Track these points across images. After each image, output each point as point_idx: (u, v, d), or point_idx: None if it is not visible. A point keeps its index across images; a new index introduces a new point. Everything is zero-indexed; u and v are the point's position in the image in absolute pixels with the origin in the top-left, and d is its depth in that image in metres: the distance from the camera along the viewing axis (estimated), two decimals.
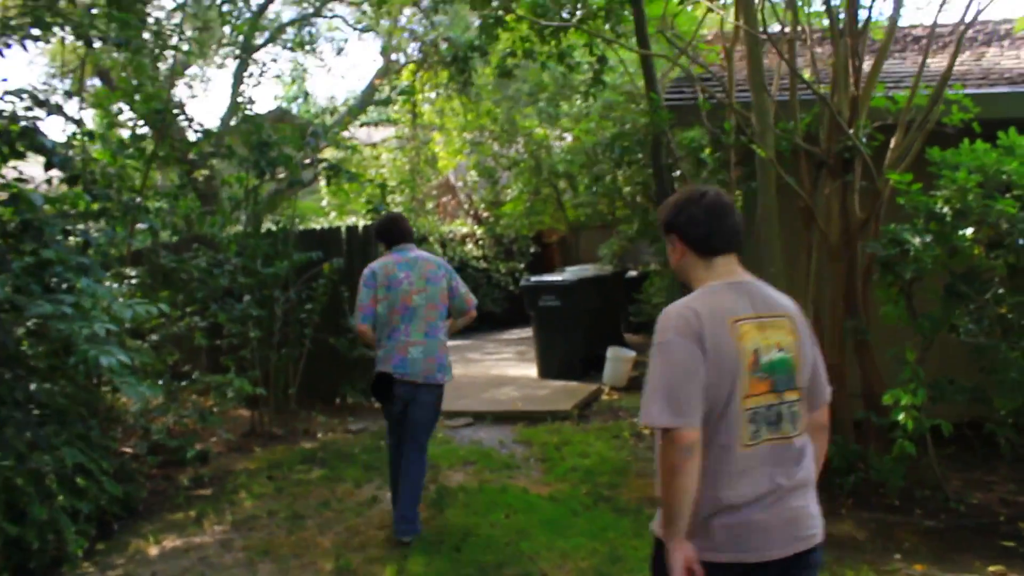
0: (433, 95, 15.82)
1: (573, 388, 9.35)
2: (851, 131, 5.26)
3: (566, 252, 18.00)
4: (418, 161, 16.19)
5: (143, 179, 6.60)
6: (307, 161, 7.46)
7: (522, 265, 16.32)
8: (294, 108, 20.77)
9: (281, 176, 7.69)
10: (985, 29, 8.53)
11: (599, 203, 11.77)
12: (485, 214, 16.96)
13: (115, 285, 5.03)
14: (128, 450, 6.68)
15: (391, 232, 5.16)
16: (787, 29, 5.86)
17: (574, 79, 11.17)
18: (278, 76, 19.11)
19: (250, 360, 7.49)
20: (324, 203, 16.80)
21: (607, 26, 6.30)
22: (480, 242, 16.59)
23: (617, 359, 9.34)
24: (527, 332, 15.66)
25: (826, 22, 5.98)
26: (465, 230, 16.55)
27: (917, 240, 4.81)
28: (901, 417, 4.68)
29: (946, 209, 4.86)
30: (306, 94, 20.97)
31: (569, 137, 17.03)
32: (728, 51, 6.33)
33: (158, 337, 6.76)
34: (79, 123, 6.24)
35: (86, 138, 6.30)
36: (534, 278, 10.21)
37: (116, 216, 5.66)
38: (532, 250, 16.80)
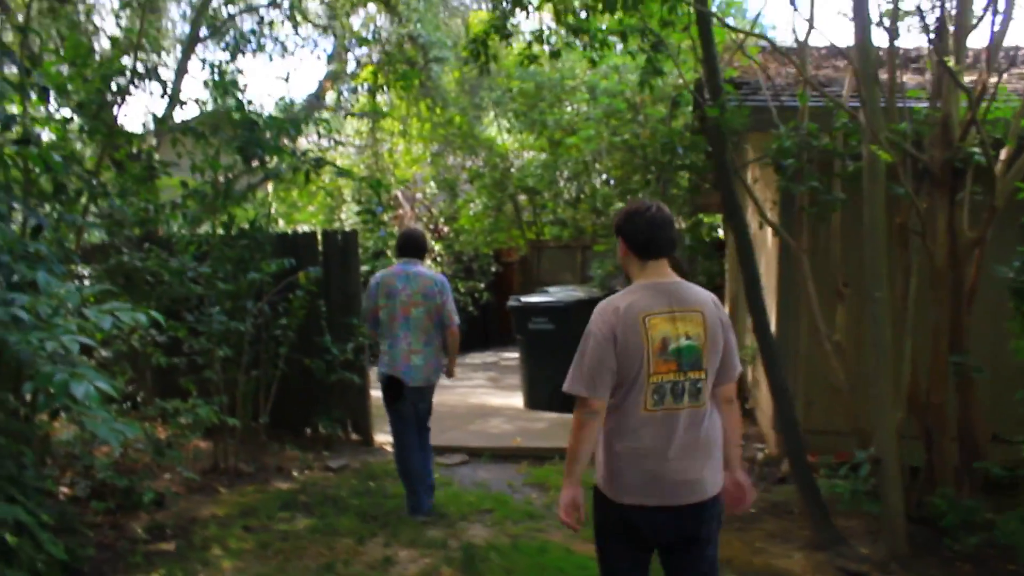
0: (392, 99, 14.85)
1: (568, 419, 8.37)
2: (975, 134, 4.49)
3: (526, 272, 17.09)
4: (376, 169, 15.06)
5: (97, 161, 5.41)
6: (296, 152, 6.36)
7: (483, 285, 15.37)
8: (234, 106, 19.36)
9: (255, 166, 6.58)
10: None
11: (583, 219, 10.85)
12: (445, 229, 15.94)
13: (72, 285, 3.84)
14: (66, 490, 5.44)
15: (401, 245, 5.76)
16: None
17: (567, 83, 10.34)
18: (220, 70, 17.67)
19: (215, 383, 6.30)
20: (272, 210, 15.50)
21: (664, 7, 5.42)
22: (439, 259, 15.55)
23: None
24: (491, 356, 14.75)
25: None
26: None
27: None
28: None
29: None
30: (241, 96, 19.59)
31: (528, 154, 16.24)
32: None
33: (110, 353, 5.54)
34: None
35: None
36: (524, 298, 9.23)
37: (72, 197, 4.48)
38: (494, 269, 15.84)
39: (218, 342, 6.10)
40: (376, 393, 6.08)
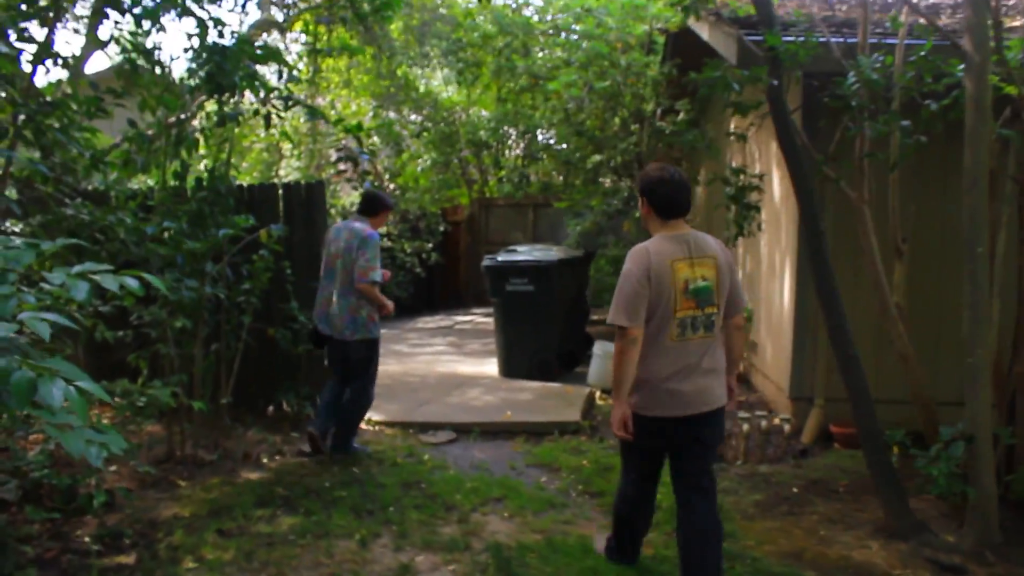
0: (331, 50, 13.72)
1: (558, 391, 7.70)
2: None
3: (474, 232, 16.30)
4: (315, 126, 13.92)
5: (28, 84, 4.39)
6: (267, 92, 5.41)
7: (430, 245, 14.52)
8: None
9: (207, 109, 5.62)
10: None
11: (545, 175, 10.05)
12: (390, 186, 14.96)
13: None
14: None
15: (360, 201, 5.94)
16: None
17: (537, 27, 9.49)
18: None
19: (170, 359, 5.38)
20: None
21: None
22: None
23: (608, 357, 7.74)
24: (443, 319, 13.94)
25: None
26: None
27: None
28: None
29: None
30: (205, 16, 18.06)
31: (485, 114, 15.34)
32: None
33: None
34: None
35: None
36: (500, 257, 8.45)
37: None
38: (442, 228, 14.98)
39: (173, 312, 5.17)
40: None
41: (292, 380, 6.54)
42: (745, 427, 5.83)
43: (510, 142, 15.95)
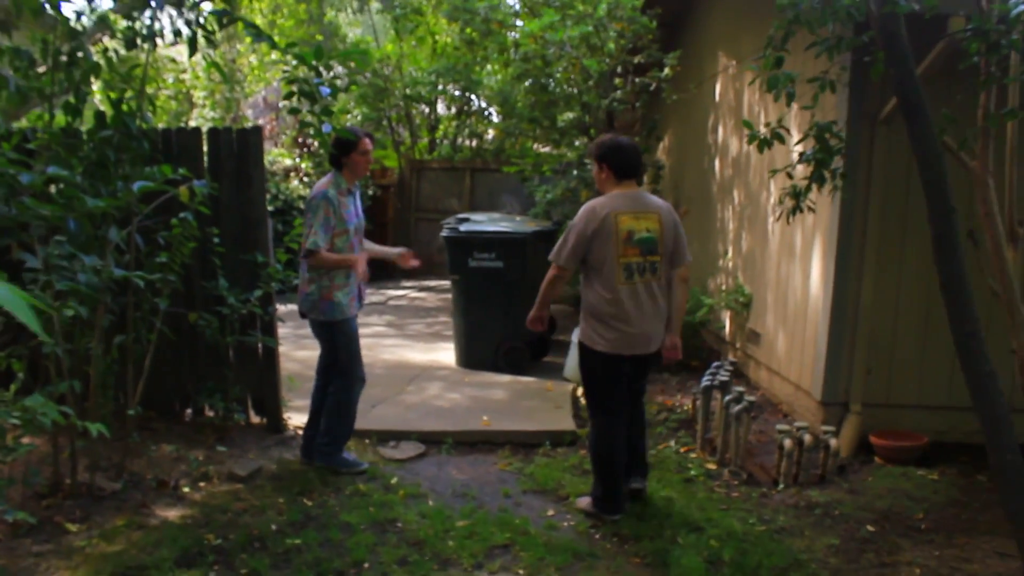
0: None
1: (535, 388, 6.55)
2: None
3: (405, 198, 14.92)
4: (233, 71, 12.25)
5: None
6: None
7: None
8: None
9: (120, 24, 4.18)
10: None
11: (517, 131, 8.79)
12: (314, 144, 13.39)
13: None
14: None
15: None
16: None
17: None
18: None
19: (56, 358, 3.97)
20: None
21: None
22: (307, 178, 13.05)
23: None
24: (375, 295, 12.49)
25: None
26: (289, 163, 12.86)
27: None
28: None
29: None
30: None
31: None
32: None
33: None
34: None
35: None
36: (464, 227, 7.18)
37: None
38: (372, 192, 13.57)
39: (61, 296, 3.76)
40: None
41: (219, 378, 5.18)
42: (787, 443, 4.80)
43: (445, 100, 14.58)
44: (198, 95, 12.03)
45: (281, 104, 12.98)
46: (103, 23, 5.48)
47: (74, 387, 3.87)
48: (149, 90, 11.25)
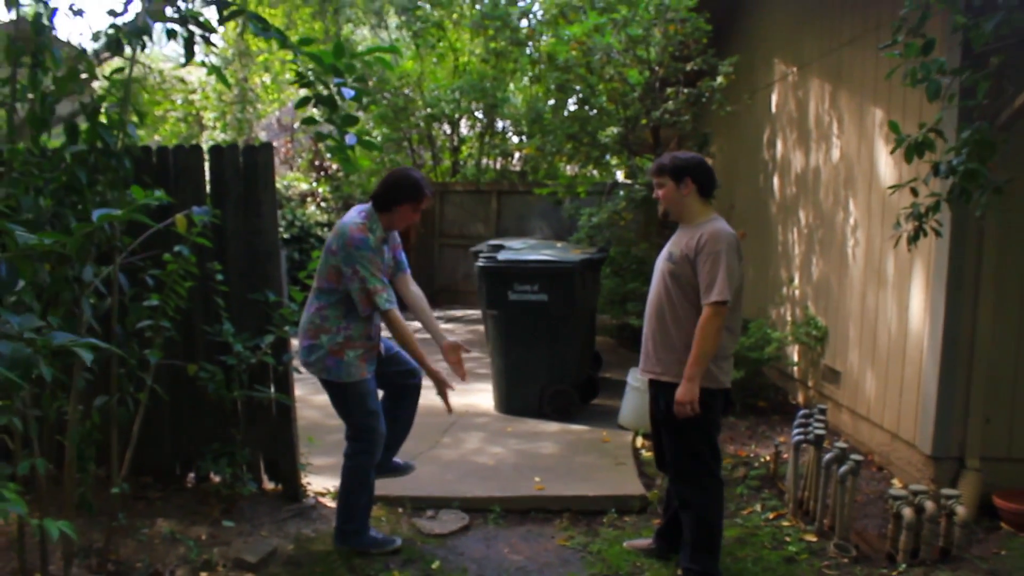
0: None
1: (589, 439, 5.74)
2: None
3: (428, 222, 14.17)
4: (245, 91, 11.59)
5: None
6: None
7: None
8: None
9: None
10: None
11: (568, 147, 7.98)
12: (333, 166, 12.72)
13: None
14: None
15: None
16: None
17: None
18: None
19: (19, 429, 3.20)
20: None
21: None
22: (324, 203, 12.36)
23: (647, 389, 5.78)
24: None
25: None
26: (305, 187, 12.17)
27: None
28: None
29: None
30: None
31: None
32: None
33: None
34: None
35: None
36: (501, 255, 6.41)
37: None
38: None
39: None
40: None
41: (224, 439, 4.41)
42: (907, 512, 3.97)
43: (468, 119, 13.89)
44: (208, 117, 11.40)
45: (296, 123, 12.32)
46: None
47: (40, 467, 3.10)
48: (158, 111, 10.63)
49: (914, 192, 3.57)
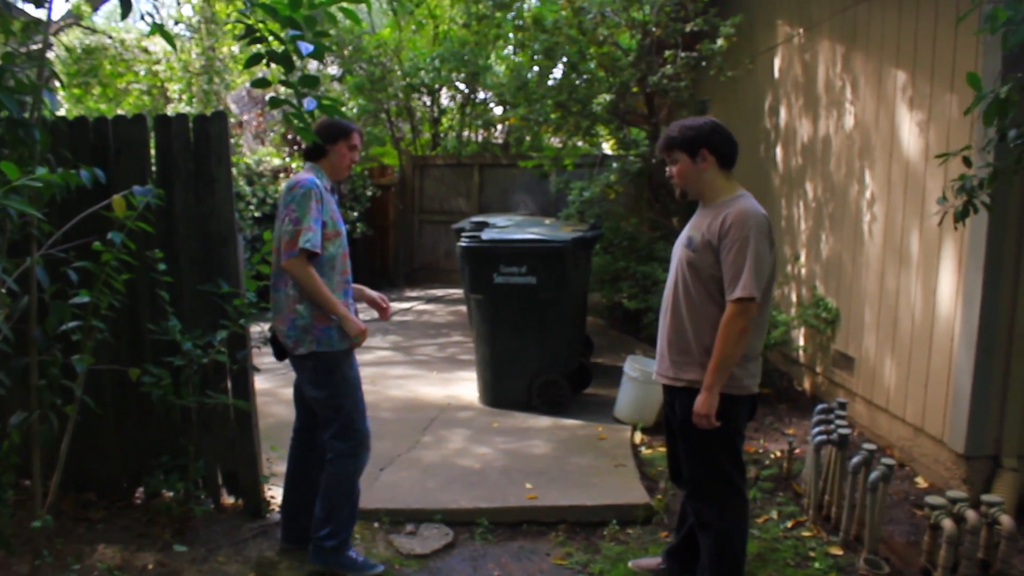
0: None
1: (583, 435, 5.27)
2: None
3: (407, 198, 13.61)
4: (213, 60, 10.90)
5: None
6: None
7: (356, 213, 11.86)
8: None
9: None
10: None
11: (556, 117, 7.43)
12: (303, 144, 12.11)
13: None
14: None
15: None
16: None
17: None
18: None
19: None
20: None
21: None
22: None
23: (646, 379, 5.33)
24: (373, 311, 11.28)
25: None
26: (278, 162, 11.54)
27: None
28: None
29: None
30: None
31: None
32: None
33: None
34: None
35: None
36: (485, 233, 5.89)
37: None
38: (370, 193, 12.30)
39: None
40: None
41: (175, 450, 3.89)
42: (947, 524, 3.52)
43: (448, 89, 13.30)
44: (173, 89, 10.73)
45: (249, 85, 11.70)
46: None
47: None
48: (120, 83, 9.97)
49: (967, 162, 3.07)
